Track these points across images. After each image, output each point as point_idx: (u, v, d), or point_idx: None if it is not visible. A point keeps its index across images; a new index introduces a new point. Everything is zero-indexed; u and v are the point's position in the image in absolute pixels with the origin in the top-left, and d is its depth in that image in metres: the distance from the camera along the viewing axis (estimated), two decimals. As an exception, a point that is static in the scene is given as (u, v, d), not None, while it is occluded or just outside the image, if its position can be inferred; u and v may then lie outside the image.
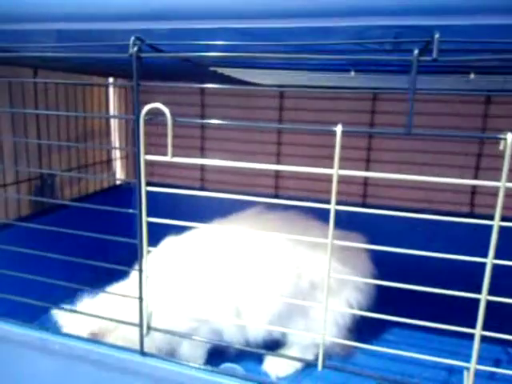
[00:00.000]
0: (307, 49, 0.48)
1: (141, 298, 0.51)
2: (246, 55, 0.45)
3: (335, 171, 0.41)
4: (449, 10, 0.39)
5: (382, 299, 0.74)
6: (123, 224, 1.28)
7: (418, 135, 0.38)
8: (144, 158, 0.46)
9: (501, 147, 0.37)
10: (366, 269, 0.78)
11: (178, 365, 0.50)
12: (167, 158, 0.46)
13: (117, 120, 1.38)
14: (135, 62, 0.45)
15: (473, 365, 0.40)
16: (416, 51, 0.37)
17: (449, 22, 0.39)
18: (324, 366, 0.46)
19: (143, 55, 0.45)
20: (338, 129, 0.40)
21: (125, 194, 1.39)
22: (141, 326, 0.52)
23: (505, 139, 0.36)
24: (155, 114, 0.46)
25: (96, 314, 0.60)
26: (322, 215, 0.74)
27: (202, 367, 0.49)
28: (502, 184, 0.37)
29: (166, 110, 0.44)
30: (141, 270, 0.50)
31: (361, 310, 0.76)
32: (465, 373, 0.41)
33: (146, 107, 0.45)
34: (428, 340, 0.88)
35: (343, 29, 0.43)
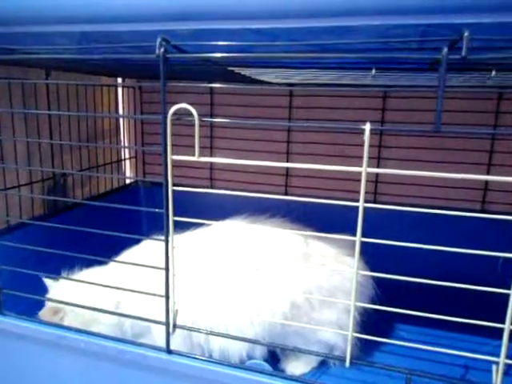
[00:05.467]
0: (331, 48, 0.48)
1: (167, 297, 0.51)
2: (273, 56, 0.45)
3: (364, 169, 0.41)
4: (476, 8, 0.39)
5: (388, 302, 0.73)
6: (133, 223, 1.29)
7: (446, 132, 0.38)
8: (171, 157, 0.47)
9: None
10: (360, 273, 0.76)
11: (205, 362, 0.51)
12: (194, 158, 0.46)
13: (126, 121, 1.39)
14: (162, 63, 0.45)
15: (502, 359, 0.41)
16: (445, 49, 0.38)
17: (475, 20, 0.39)
18: (351, 362, 0.46)
19: (169, 56, 0.46)
20: (367, 127, 0.40)
21: (133, 193, 1.40)
22: (167, 324, 0.52)
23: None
24: (182, 114, 0.47)
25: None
26: (326, 221, 0.74)
27: (229, 364, 0.50)
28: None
29: (193, 110, 0.45)
30: (167, 269, 0.50)
31: (361, 314, 0.75)
32: (493, 367, 0.41)
33: (174, 107, 0.46)
34: (439, 338, 0.89)
35: (368, 28, 0.43)
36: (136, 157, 1.42)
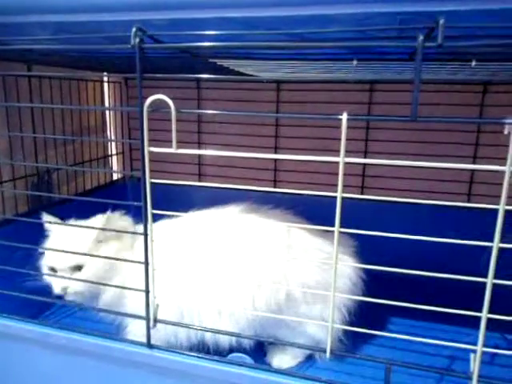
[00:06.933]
0: (309, 37, 0.48)
1: (147, 291, 0.50)
2: (248, 45, 0.45)
3: (341, 159, 0.41)
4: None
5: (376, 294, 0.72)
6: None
7: (423, 121, 0.38)
8: (148, 149, 0.46)
9: (505, 131, 0.38)
10: (352, 271, 0.75)
11: (187, 356, 0.50)
12: (172, 150, 0.45)
13: (112, 116, 1.37)
14: (138, 54, 0.45)
15: (479, 348, 0.41)
16: (421, 37, 0.37)
17: (451, 8, 0.39)
18: (332, 353, 0.46)
19: (145, 46, 0.45)
20: (344, 117, 0.40)
21: (121, 189, 1.38)
22: (147, 318, 0.51)
23: (511, 123, 0.37)
24: (158, 106, 0.46)
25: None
26: (317, 214, 0.74)
27: (211, 357, 0.50)
28: (508, 168, 0.38)
29: (170, 102, 0.44)
30: (147, 263, 0.50)
31: (349, 312, 0.75)
32: (471, 356, 0.42)
33: (149, 99, 0.45)
34: (427, 330, 0.89)
35: (346, 16, 0.43)
36: (123, 152, 1.40)
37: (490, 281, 0.39)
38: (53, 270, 0.68)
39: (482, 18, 0.39)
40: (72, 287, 0.66)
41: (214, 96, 1.27)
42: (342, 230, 0.44)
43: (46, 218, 0.69)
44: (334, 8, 0.42)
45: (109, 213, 0.69)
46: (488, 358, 0.76)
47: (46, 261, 0.68)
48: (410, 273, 0.45)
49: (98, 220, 0.70)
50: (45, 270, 0.69)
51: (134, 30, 0.45)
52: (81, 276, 0.66)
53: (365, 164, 1.17)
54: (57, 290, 0.66)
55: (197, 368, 0.49)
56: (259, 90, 1.22)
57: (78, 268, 0.67)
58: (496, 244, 0.38)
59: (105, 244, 0.69)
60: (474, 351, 0.42)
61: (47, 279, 0.68)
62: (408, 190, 1.14)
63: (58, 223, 0.69)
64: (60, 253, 0.65)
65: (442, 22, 0.37)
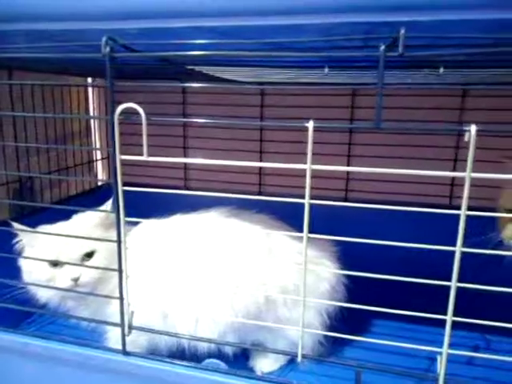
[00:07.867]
0: (281, 46, 0.49)
1: (121, 298, 0.51)
2: (217, 54, 0.45)
3: (308, 166, 0.42)
4: (414, 7, 0.40)
5: (356, 297, 0.70)
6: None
7: (387, 129, 0.39)
8: (120, 157, 0.46)
9: (465, 139, 0.39)
10: (332, 275, 0.75)
11: (162, 362, 0.51)
12: (143, 158, 0.46)
13: (97, 120, 1.37)
14: (108, 63, 0.45)
15: (445, 350, 0.42)
16: (382, 47, 0.38)
17: (414, 18, 0.40)
18: (303, 357, 0.47)
19: (116, 55, 0.45)
20: (310, 124, 0.40)
21: (106, 195, 1.37)
22: (122, 325, 0.52)
23: (469, 131, 0.38)
24: (130, 113, 0.46)
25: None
26: (300, 217, 0.73)
27: (186, 364, 0.50)
28: (468, 174, 0.39)
29: (140, 110, 0.45)
30: (120, 271, 0.50)
31: (331, 315, 0.75)
32: (438, 358, 0.42)
33: (120, 107, 0.45)
34: (406, 330, 0.90)
35: (314, 26, 0.44)
36: (108, 157, 1.40)
37: (453, 284, 0.40)
38: (55, 265, 0.65)
39: (441, 29, 0.40)
40: (86, 275, 0.64)
41: (199, 100, 1.28)
42: (311, 235, 0.45)
43: (17, 227, 0.68)
44: (301, 18, 0.43)
45: (108, 203, 0.73)
46: (466, 359, 0.77)
47: (49, 255, 0.65)
48: (382, 278, 0.46)
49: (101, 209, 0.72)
50: (40, 268, 0.65)
51: (104, 39, 0.45)
52: (94, 262, 0.64)
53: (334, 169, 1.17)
54: (65, 283, 0.64)
55: (171, 374, 0.50)
56: (244, 95, 1.23)
57: (89, 255, 0.66)
58: (458, 248, 0.39)
59: (112, 229, 0.69)
60: (439, 353, 0.42)
61: (47, 276, 0.65)
62: (393, 192, 1.15)
63: (29, 230, 0.68)
64: (69, 243, 0.63)
65: (402, 32, 0.38)
